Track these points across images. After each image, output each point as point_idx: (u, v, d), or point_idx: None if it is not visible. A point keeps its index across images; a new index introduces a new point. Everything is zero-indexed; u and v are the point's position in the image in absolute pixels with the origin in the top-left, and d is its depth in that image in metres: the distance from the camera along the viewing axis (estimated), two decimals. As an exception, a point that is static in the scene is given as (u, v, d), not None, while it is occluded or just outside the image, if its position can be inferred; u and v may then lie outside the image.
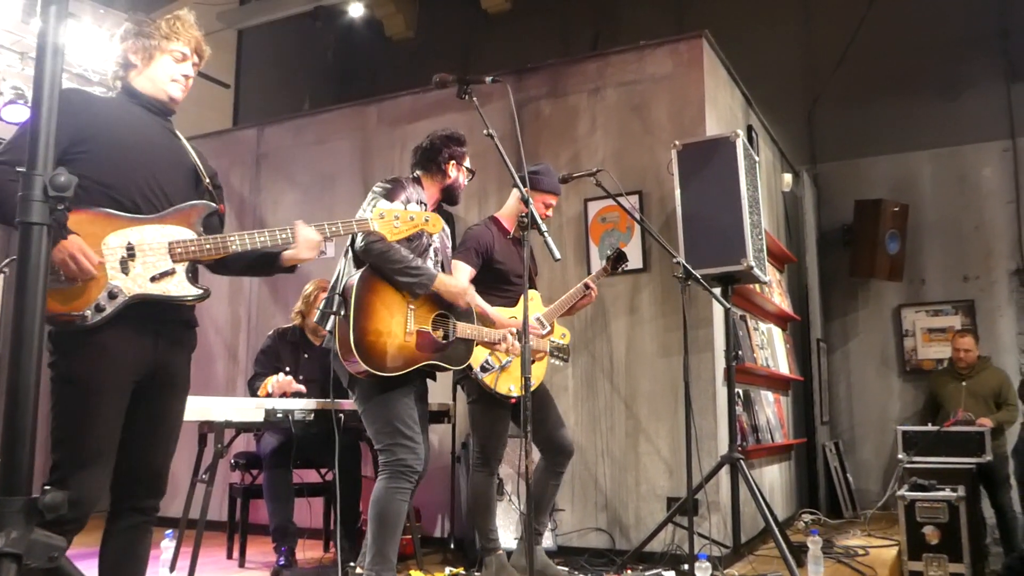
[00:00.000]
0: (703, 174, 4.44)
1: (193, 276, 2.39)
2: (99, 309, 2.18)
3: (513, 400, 3.85)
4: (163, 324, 2.38)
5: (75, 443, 2.17)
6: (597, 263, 5.05)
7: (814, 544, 4.01)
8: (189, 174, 2.55)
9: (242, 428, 4.10)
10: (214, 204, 2.48)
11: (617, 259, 4.25)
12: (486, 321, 3.86)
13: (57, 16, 1.49)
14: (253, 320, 6.21)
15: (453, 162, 3.54)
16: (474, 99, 3.02)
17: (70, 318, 2.15)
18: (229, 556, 4.77)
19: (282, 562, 4.27)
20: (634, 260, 4.78)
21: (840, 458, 7.08)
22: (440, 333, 3.38)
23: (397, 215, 2.79)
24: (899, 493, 4.89)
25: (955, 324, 7.12)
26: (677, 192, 4.50)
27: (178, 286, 2.32)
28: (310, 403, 3.95)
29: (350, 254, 3.35)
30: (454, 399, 4.88)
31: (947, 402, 6.14)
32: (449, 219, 5.50)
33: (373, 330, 3.17)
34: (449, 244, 3.72)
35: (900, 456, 5.43)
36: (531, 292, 4.02)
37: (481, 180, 5.49)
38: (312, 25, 8.54)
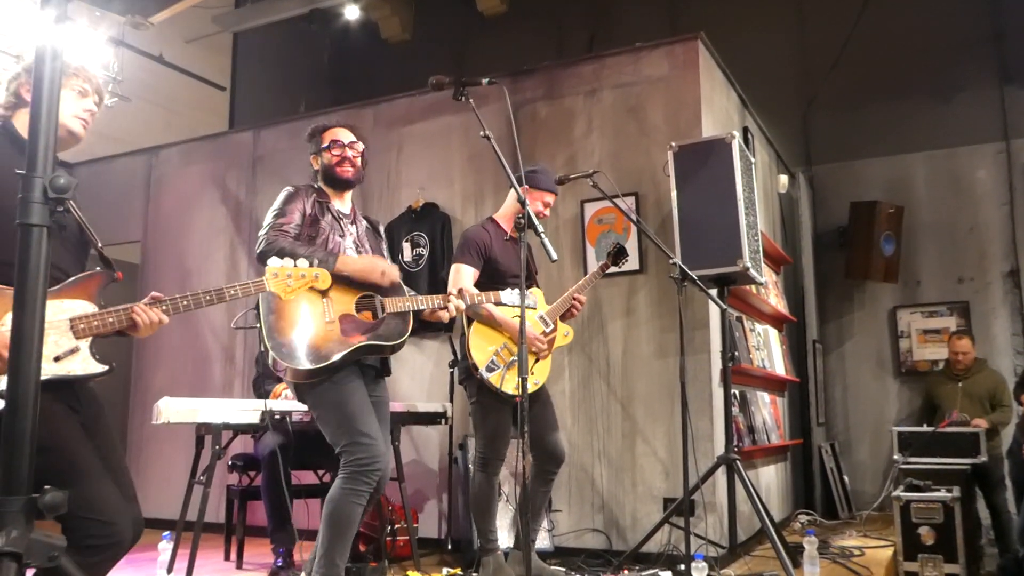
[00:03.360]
0: (699, 176, 4.46)
1: (99, 352, 2.27)
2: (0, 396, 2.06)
3: (518, 399, 3.84)
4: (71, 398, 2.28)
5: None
6: (594, 264, 5.06)
7: (810, 544, 4.01)
8: (77, 239, 2.41)
9: (239, 430, 4.11)
10: (113, 273, 2.34)
11: (618, 254, 4.26)
12: (491, 322, 3.87)
13: (56, 19, 1.50)
14: (250, 323, 6.21)
15: (313, 156, 3.46)
16: (470, 101, 3.03)
17: None
18: (227, 558, 4.77)
19: (280, 563, 4.27)
20: (630, 261, 4.78)
21: (836, 459, 7.09)
22: (367, 314, 3.20)
23: (289, 273, 2.67)
24: (895, 494, 4.90)
25: (950, 325, 7.14)
26: (673, 193, 4.51)
27: (83, 364, 2.22)
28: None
29: None
30: (451, 400, 4.89)
31: (943, 403, 6.16)
32: (446, 220, 5.54)
33: (287, 329, 3.02)
34: (385, 248, 3.59)
35: (895, 457, 5.45)
36: (535, 291, 4.04)
37: (477, 182, 5.52)
38: (308, 28, 8.57)
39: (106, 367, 2.26)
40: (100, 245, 2.39)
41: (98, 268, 2.35)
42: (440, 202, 5.59)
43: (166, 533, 3.91)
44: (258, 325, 3.03)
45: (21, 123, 2.36)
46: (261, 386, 4.68)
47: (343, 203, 3.43)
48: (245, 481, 4.76)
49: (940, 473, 5.02)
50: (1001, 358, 6.93)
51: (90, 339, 2.25)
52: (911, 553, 4.76)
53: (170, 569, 3.80)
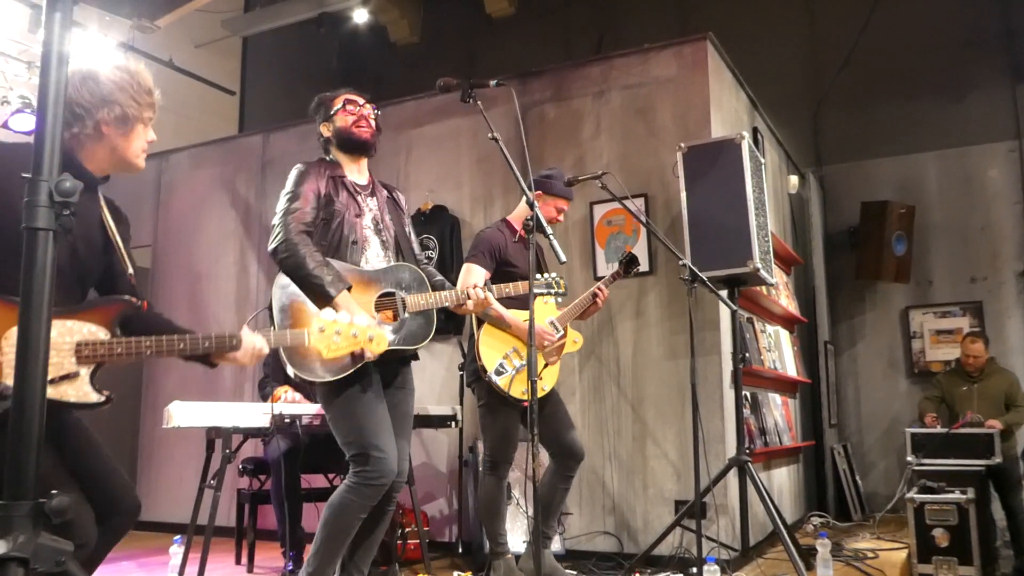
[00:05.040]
0: (709, 176, 4.44)
1: (99, 382, 2.17)
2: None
3: (526, 403, 3.84)
4: (59, 426, 2.21)
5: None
6: (603, 266, 5.05)
7: (823, 547, 3.99)
8: (111, 264, 2.35)
9: (250, 433, 4.11)
10: (136, 303, 2.26)
11: (629, 263, 4.24)
12: (500, 324, 3.86)
13: (62, 24, 1.50)
14: (260, 327, 6.21)
15: (323, 124, 3.23)
16: (478, 103, 3.02)
17: None
18: (238, 561, 4.78)
19: (291, 567, 4.27)
20: (640, 263, 4.77)
21: (849, 460, 7.05)
22: (387, 314, 3.03)
23: (338, 330, 2.50)
24: (908, 495, 4.87)
25: (963, 326, 7.09)
26: (683, 195, 4.49)
27: (77, 391, 2.11)
28: (318, 408, 3.95)
29: None
30: (461, 403, 4.89)
31: (958, 404, 6.11)
32: (455, 223, 5.53)
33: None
34: (407, 221, 3.36)
35: (909, 458, 5.41)
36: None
37: (486, 183, 5.51)
38: (316, 31, 8.57)
39: (102, 399, 2.14)
40: (131, 272, 2.32)
41: (121, 295, 2.28)
42: (449, 204, 5.59)
43: (177, 537, 3.92)
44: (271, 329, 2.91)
45: (87, 155, 2.24)
46: (265, 387, 4.69)
47: (360, 172, 3.22)
48: (255, 485, 4.76)
49: (954, 474, 4.98)
50: (1015, 357, 6.87)
51: (92, 367, 2.14)
52: (925, 555, 4.73)
53: (181, 573, 3.80)
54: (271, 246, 2.96)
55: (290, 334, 2.56)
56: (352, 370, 2.90)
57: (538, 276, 3.31)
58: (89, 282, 2.31)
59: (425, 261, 3.34)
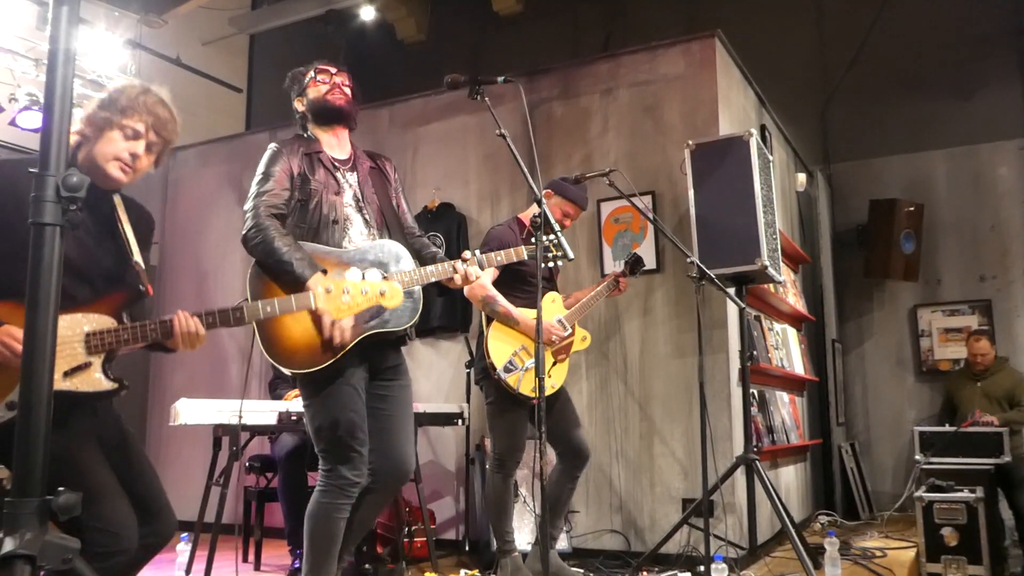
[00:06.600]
0: (717, 174, 4.42)
1: (112, 370, 2.22)
2: (10, 407, 2.04)
3: (535, 401, 3.82)
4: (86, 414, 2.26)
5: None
6: (611, 263, 5.03)
7: (831, 546, 3.97)
8: (119, 257, 2.36)
9: (256, 431, 4.11)
10: (141, 290, 2.32)
11: (635, 263, 4.24)
12: (508, 322, 3.85)
13: (68, 20, 1.49)
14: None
15: (298, 98, 3.16)
16: (486, 100, 3.00)
17: None
18: (244, 559, 4.78)
19: (297, 565, 4.27)
20: (648, 261, 4.77)
21: (856, 459, 7.03)
22: None
23: (346, 288, 2.42)
24: (917, 494, 4.84)
25: (972, 324, 7.05)
26: (690, 192, 4.47)
27: (90, 381, 2.17)
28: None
29: None
30: (468, 400, 4.88)
31: (963, 404, 6.09)
32: (462, 220, 5.52)
33: (280, 327, 2.72)
34: (398, 191, 3.20)
35: (917, 457, 5.38)
36: (553, 294, 4.02)
37: (493, 181, 5.50)
38: (323, 29, 8.57)
39: (114, 385, 2.20)
40: (136, 259, 2.35)
41: (126, 286, 2.32)
42: (456, 202, 5.58)
43: (184, 535, 3.91)
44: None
45: (81, 157, 2.29)
46: (276, 388, 4.69)
47: (339, 146, 3.07)
48: (262, 482, 4.76)
49: (963, 473, 4.95)
50: (1024, 357, 6.85)
51: (103, 355, 2.19)
52: (934, 554, 4.70)
53: (188, 571, 3.81)
54: (242, 233, 2.82)
55: (295, 299, 2.50)
56: (328, 363, 2.71)
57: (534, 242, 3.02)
58: (104, 274, 2.33)
59: (419, 233, 3.18)
